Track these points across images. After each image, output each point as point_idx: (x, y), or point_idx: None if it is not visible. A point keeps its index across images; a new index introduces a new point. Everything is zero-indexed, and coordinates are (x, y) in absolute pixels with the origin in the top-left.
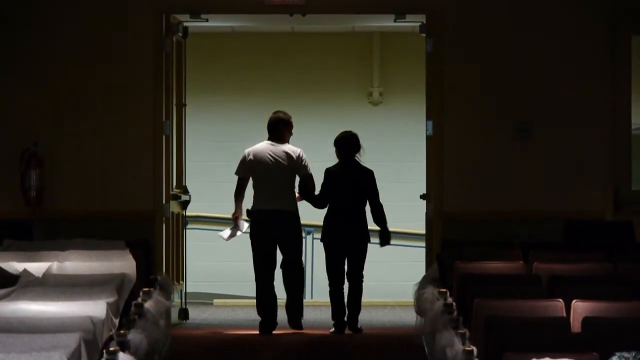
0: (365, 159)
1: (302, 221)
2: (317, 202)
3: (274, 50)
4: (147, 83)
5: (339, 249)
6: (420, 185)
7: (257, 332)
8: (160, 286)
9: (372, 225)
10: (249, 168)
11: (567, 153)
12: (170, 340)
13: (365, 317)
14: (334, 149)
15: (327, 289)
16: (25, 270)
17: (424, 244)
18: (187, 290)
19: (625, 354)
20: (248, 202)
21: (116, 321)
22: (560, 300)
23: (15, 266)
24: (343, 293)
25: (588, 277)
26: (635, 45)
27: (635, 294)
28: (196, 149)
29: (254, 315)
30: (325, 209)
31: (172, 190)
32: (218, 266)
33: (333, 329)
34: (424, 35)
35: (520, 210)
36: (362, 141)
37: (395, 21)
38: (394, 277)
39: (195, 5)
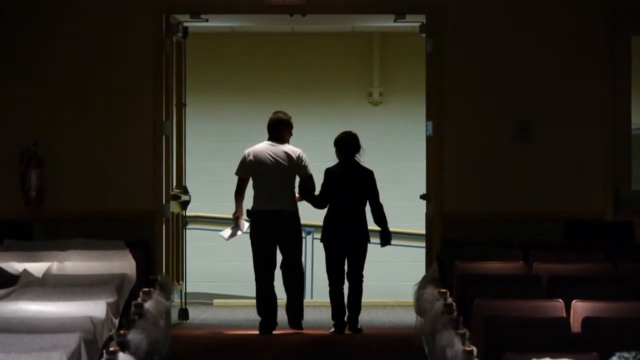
0: (365, 159)
1: (302, 221)
2: (317, 203)
3: (274, 50)
4: (147, 83)
5: (339, 249)
6: (420, 185)
7: (257, 332)
8: (160, 286)
9: (372, 226)
10: (249, 168)
11: (567, 153)
12: (170, 340)
13: (365, 317)
14: (333, 149)
15: (327, 289)
16: (25, 270)
17: (424, 244)
18: (187, 291)
19: (625, 354)
20: (248, 202)
21: (116, 321)
22: (560, 300)
23: (15, 266)
24: (343, 293)
25: (588, 277)
26: (635, 45)
27: (635, 294)
28: (196, 149)
29: (254, 315)
30: (325, 209)
31: (172, 190)
32: (218, 266)
33: (333, 329)
34: (424, 35)
35: (520, 210)
36: (362, 141)
37: (395, 21)
38: (394, 277)
39: (195, 5)
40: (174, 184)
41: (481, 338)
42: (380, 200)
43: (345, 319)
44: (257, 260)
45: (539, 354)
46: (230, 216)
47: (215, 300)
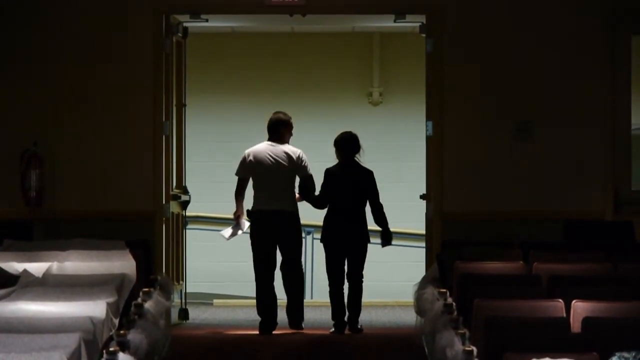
0: (365, 159)
1: (302, 221)
2: (317, 203)
3: (274, 50)
4: (147, 83)
5: (339, 250)
6: (420, 185)
7: (257, 332)
8: (160, 286)
9: (372, 226)
10: (249, 169)
11: (567, 153)
12: (170, 340)
13: (365, 317)
14: (333, 149)
15: (327, 289)
16: (25, 270)
17: (424, 244)
18: (187, 291)
19: (625, 354)
20: (248, 202)
21: (116, 321)
22: (560, 300)
23: (15, 266)
24: (343, 293)
25: (588, 277)
26: (635, 45)
27: (635, 294)
28: (196, 149)
29: (254, 315)
30: (325, 210)
31: (172, 190)
32: (218, 266)
33: (333, 329)
34: (424, 35)
35: (520, 210)
36: (362, 141)
37: (395, 21)
38: (394, 277)
39: (195, 5)
40: (174, 184)
41: (481, 338)
42: (380, 200)
43: (345, 319)
44: (257, 261)
45: (539, 354)
46: (230, 216)
47: (215, 300)
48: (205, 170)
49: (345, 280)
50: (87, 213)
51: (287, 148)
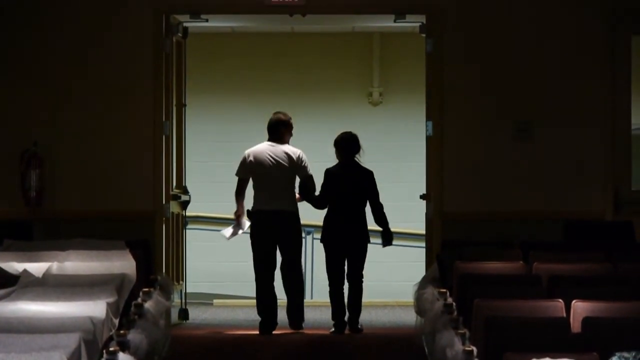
0: (365, 159)
1: (302, 221)
2: (317, 203)
3: (274, 50)
4: (147, 83)
5: (339, 250)
6: (420, 185)
7: (257, 332)
8: (160, 286)
9: (372, 226)
10: (249, 169)
11: (567, 153)
12: (170, 340)
13: (365, 317)
14: (333, 149)
15: (327, 289)
16: (25, 271)
17: (424, 244)
18: (187, 291)
19: (625, 354)
20: (248, 202)
21: (116, 321)
22: (560, 300)
23: (15, 266)
24: (343, 293)
25: (588, 277)
26: (635, 45)
27: (635, 294)
28: (196, 149)
29: (254, 315)
30: (326, 210)
31: (172, 190)
32: (218, 266)
33: (333, 329)
34: (424, 35)
35: (520, 210)
36: (362, 141)
37: (395, 21)
38: (394, 277)
39: (195, 5)
40: (174, 184)
41: (481, 338)
42: (381, 200)
43: (346, 319)
44: (257, 261)
45: (539, 354)
46: (230, 216)
47: (215, 300)
48: (205, 170)
49: (345, 281)
50: (87, 213)
51: (287, 148)
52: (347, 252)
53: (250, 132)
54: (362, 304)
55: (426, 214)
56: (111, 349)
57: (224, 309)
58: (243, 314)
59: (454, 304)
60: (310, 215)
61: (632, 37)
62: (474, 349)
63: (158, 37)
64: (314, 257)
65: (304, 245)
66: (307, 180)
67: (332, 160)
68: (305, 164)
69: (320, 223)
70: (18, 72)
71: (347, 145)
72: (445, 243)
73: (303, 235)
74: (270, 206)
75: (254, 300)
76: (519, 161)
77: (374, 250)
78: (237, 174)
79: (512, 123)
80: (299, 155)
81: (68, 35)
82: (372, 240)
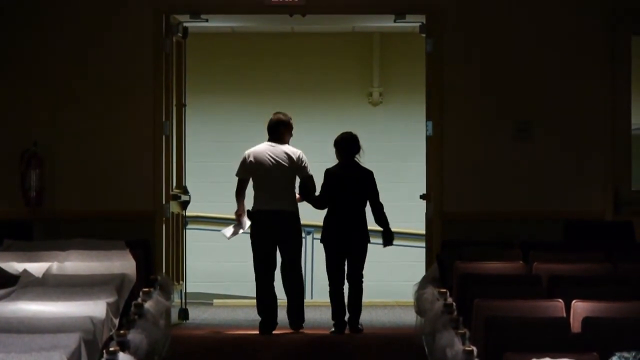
0: (365, 159)
1: (302, 221)
2: (317, 203)
3: (274, 50)
4: (147, 83)
5: (339, 250)
6: (420, 185)
7: (257, 332)
8: (160, 286)
9: (372, 226)
10: (249, 169)
11: (567, 153)
12: (170, 340)
13: (365, 317)
14: (333, 149)
15: (327, 289)
16: (25, 271)
17: (424, 244)
18: (187, 290)
19: (625, 354)
20: (248, 202)
21: (116, 321)
22: (560, 300)
23: (15, 266)
24: (343, 293)
25: (588, 277)
26: (635, 45)
27: (635, 294)
28: (196, 149)
29: (254, 315)
30: (326, 210)
31: (172, 190)
32: (218, 266)
33: (333, 329)
34: (424, 35)
35: (520, 210)
36: (362, 141)
37: (395, 21)
38: (394, 277)
39: (195, 5)
40: (174, 184)
41: (481, 338)
42: (381, 200)
43: (346, 319)
44: (257, 261)
45: (539, 354)
46: (231, 216)
47: (215, 300)
48: (205, 170)
49: (346, 281)
50: (87, 213)
51: (287, 148)
52: (347, 252)
53: (250, 132)
54: (362, 304)
55: (426, 214)
56: (111, 349)
57: (224, 309)
58: (243, 314)
59: (454, 304)
60: (310, 215)
61: (632, 37)
62: (474, 349)
63: (158, 37)
64: (314, 257)
65: (304, 245)
66: (307, 181)
67: (332, 160)
68: (305, 164)
69: (320, 223)
70: (18, 72)
71: (347, 145)
72: (445, 243)
73: (303, 235)
74: (271, 206)
75: (254, 300)
76: (519, 161)
77: (374, 250)
78: (237, 174)
79: (512, 123)
80: (299, 156)
81: (68, 35)
82: (372, 240)
